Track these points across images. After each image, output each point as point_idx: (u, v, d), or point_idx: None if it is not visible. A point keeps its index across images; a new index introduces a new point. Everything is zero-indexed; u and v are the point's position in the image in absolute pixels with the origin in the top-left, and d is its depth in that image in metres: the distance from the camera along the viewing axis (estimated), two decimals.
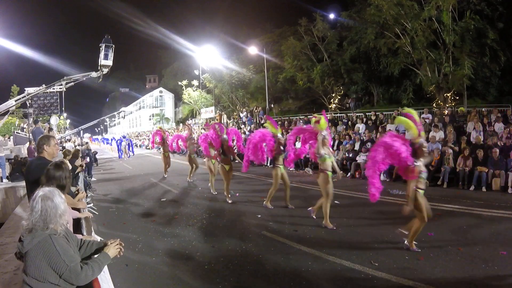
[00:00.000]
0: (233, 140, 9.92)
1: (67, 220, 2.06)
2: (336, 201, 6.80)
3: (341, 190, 8.29)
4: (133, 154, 23.90)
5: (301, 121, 16.34)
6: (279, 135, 6.78)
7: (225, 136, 7.61)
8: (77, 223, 3.44)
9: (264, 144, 7.01)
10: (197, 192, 8.90)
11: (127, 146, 23.24)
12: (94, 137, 46.98)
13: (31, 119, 13.53)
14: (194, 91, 32.09)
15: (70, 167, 4.69)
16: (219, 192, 8.37)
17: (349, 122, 14.21)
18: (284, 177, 6.65)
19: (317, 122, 5.70)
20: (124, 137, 26.52)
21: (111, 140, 36.50)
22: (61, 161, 2.83)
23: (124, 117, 54.68)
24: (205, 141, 8.57)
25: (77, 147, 13.92)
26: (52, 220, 1.82)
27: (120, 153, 23.08)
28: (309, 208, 5.84)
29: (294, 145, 7.03)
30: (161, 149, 12.18)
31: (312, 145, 5.98)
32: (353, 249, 4.42)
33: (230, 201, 7.36)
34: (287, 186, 6.75)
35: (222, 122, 25.17)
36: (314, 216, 5.71)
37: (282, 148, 6.79)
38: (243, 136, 18.13)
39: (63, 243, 1.87)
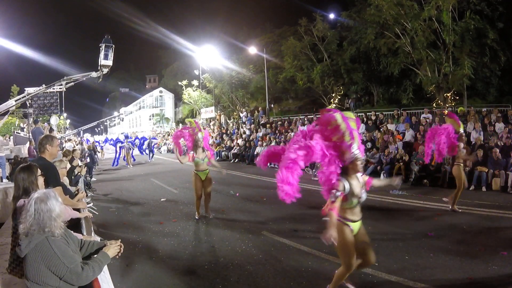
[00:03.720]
0: None
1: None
2: None
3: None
4: (152, 159, 19.09)
5: (300, 121, 16.34)
6: (461, 130, 6.35)
7: (355, 148, 2.88)
8: (77, 223, 3.44)
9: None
10: None
11: (130, 150, 17.18)
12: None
13: (31, 119, 13.52)
14: (194, 91, 32.06)
15: (69, 166, 4.70)
16: None
17: None
18: (463, 176, 6.21)
19: None
20: (126, 136, 18.53)
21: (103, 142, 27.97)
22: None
23: (123, 120, 54.37)
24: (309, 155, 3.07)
25: (77, 147, 13.90)
26: (46, 223, 1.80)
27: (116, 159, 17.39)
28: None
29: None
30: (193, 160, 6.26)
31: None
32: None
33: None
34: (463, 186, 6.26)
35: (221, 123, 25.14)
36: None
37: (463, 145, 6.31)
38: (243, 136, 18.18)
39: (61, 245, 1.85)
